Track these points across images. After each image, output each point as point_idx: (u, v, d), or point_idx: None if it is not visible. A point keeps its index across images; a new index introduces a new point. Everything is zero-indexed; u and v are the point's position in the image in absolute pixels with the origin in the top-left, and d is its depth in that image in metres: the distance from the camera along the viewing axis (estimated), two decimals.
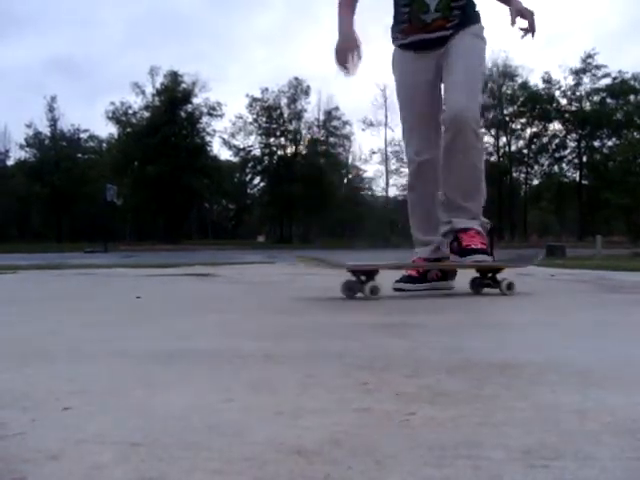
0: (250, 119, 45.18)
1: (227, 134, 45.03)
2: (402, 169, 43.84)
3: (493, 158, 44.98)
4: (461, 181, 2.57)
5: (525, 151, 44.88)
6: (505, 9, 2.60)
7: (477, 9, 2.72)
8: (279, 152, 45.62)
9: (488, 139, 45.57)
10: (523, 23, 2.55)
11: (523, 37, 2.55)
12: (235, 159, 46.86)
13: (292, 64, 76.03)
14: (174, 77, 42.90)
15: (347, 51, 2.50)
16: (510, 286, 2.44)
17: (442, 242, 2.70)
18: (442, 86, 2.71)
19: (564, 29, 77.55)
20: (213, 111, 43.71)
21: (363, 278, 2.33)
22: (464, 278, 2.67)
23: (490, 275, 2.53)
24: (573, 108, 42.83)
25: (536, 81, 44.13)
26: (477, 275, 2.58)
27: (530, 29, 2.55)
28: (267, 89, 44.52)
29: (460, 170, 2.54)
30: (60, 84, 76.84)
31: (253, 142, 45.57)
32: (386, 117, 44.25)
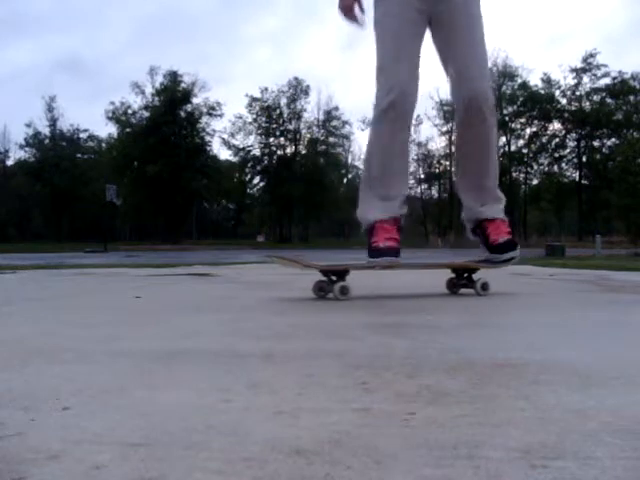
0: (250, 119, 45.23)
1: (227, 134, 45.09)
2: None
3: None
4: (480, 159, 2.54)
5: (525, 151, 44.91)
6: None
7: None
8: (279, 152, 45.65)
9: None
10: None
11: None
12: (235, 159, 46.92)
13: (297, 64, 76.08)
14: (174, 77, 42.91)
15: (350, 4, 2.50)
16: (485, 286, 2.41)
17: (404, 198, 2.55)
18: (440, 46, 2.56)
19: (567, 29, 77.54)
20: (213, 111, 43.76)
21: (334, 278, 2.32)
22: (440, 278, 2.65)
23: (466, 275, 2.51)
24: (573, 108, 42.84)
25: (536, 81, 44.19)
26: (453, 275, 2.56)
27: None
28: (266, 89, 44.60)
29: (479, 148, 2.52)
30: (67, 84, 77.00)
31: (253, 142, 45.62)
32: None
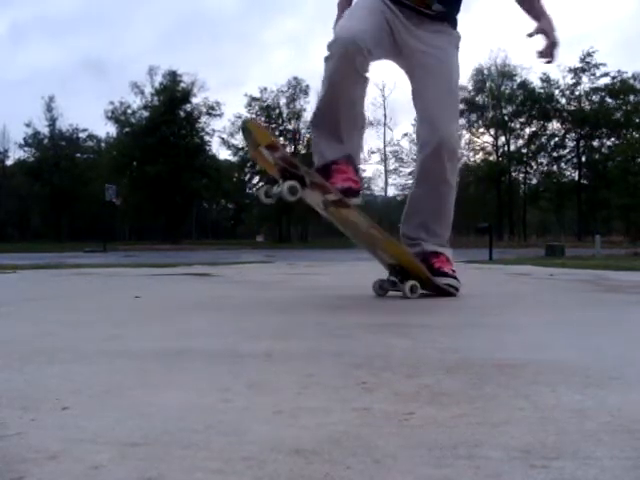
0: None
1: (226, 134, 45.08)
2: (401, 169, 43.88)
3: (492, 157, 45.05)
4: (436, 206, 2.47)
5: (524, 150, 44.92)
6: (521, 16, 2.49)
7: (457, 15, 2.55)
8: None
9: (487, 138, 45.68)
10: (542, 45, 2.44)
11: (539, 57, 2.45)
12: (234, 159, 46.90)
13: (303, 65, 76.10)
14: (173, 77, 42.91)
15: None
16: (413, 288, 2.30)
17: (358, 147, 2.43)
18: (411, 83, 2.51)
19: (582, 31, 77.35)
20: (212, 111, 43.76)
21: (287, 174, 2.14)
22: (368, 280, 2.58)
23: (399, 277, 2.37)
24: (572, 108, 42.87)
25: (536, 81, 44.19)
26: (383, 278, 2.45)
27: (548, 55, 2.44)
28: (265, 89, 44.60)
29: (437, 195, 2.46)
30: (86, 85, 77.08)
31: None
32: (385, 117, 44.32)
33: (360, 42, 2.24)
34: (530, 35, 2.45)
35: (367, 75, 2.34)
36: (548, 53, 2.45)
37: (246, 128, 2.24)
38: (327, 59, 2.31)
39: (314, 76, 43.34)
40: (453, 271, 2.47)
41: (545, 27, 2.45)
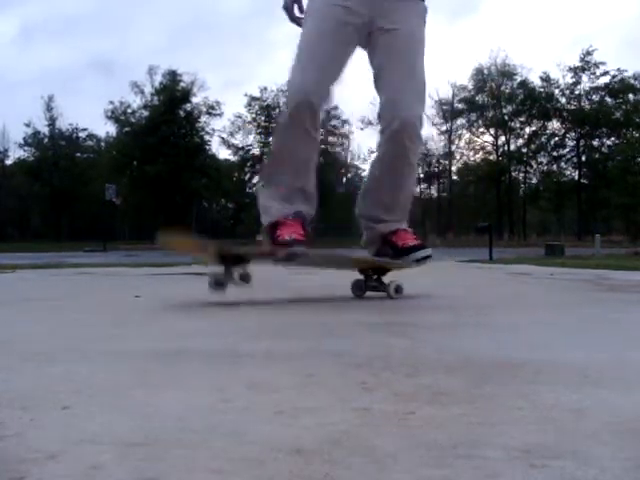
0: (249, 118, 45.24)
1: (226, 133, 45.08)
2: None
3: (492, 157, 45.06)
4: (396, 186, 2.44)
5: (524, 150, 44.92)
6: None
7: None
8: None
9: (487, 138, 45.68)
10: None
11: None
12: (234, 158, 46.90)
13: None
14: (173, 76, 42.89)
15: (290, 5, 2.42)
16: (398, 289, 2.26)
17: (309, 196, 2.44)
18: (375, 68, 2.44)
19: (589, 31, 77.03)
20: (212, 110, 43.74)
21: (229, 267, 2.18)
22: (346, 280, 2.49)
23: (375, 277, 2.36)
24: (572, 107, 42.86)
25: (536, 80, 44.19)
26: (360, 277, 2.41)
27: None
28: (265, 88, 44.60)
29: (399, 176, 2.42)
30: (94, 85, 76.94)
31: (252, 141, 45.60)
32: None
33: (313, 98, 2.23)
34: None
35: (317, 136, 2.35)
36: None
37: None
38: (279, 117, 2.30)
39: None
40: (417, 240, 2.42)
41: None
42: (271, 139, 2.42)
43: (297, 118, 2.24)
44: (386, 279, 2.35)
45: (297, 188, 2.37)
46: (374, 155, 2.59)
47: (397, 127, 2.32)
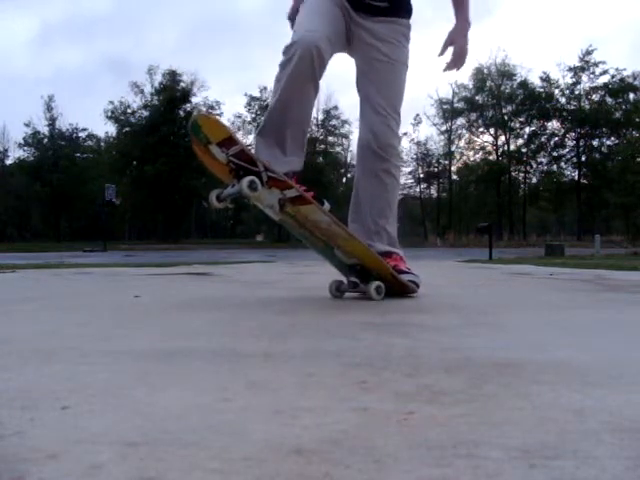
0: (249, 118, 45.27)
1: None
2: (401, 168, 43.85)
3: (492, 157, 45.09)
4: (381, 204, 2.44)
5: (524, 150, 44.95)
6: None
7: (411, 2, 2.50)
8: None
9: (487, 138, 45.70)
10: (450, 56, 2.43)
11: (445, 70, 2.45)
12: None
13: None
14: (172, 76, 42.92)
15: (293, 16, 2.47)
16: (379, 289, 2.22)
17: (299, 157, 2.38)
18: (357, 72, 2.49)
19: (602, 33, 76.87)
20: (212, 110, 43.74)
21: (241, 172, 2.05)
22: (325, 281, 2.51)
23: (357, 273, 2.29)
24: (572, 107, 42.88)
25: (536, 80, 44.19)
26: (339, 279, 2.39)
27: (452, 67, 2.43)
28: (265, 88, 44.60)
29: (376, 187, 2.43)
30: (108, 85, 77.07)
31: (252, 141, 45.62)
32: None
33: (322, 45, 2.22)
34: (441, 54, 2.45)
35: (319, 82, 2.33)
36: (452, 65, 2.45)
37: (195, 124, 2.02)
38: (285, 62, 2.24)
39: None
40: (408, 269, 2.43)
41: (454, 35, 2.44)
42: (273, 88, 2.38)
43: (306, 60, 2.20)
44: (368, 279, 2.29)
45: (293, 138, 2.34)
46: (356, 173, 2.60)
47: (369, 142, 2.38)
